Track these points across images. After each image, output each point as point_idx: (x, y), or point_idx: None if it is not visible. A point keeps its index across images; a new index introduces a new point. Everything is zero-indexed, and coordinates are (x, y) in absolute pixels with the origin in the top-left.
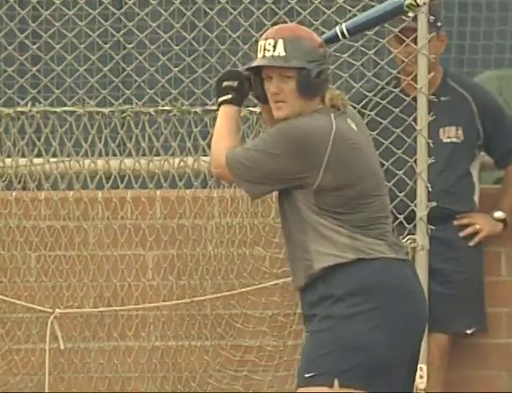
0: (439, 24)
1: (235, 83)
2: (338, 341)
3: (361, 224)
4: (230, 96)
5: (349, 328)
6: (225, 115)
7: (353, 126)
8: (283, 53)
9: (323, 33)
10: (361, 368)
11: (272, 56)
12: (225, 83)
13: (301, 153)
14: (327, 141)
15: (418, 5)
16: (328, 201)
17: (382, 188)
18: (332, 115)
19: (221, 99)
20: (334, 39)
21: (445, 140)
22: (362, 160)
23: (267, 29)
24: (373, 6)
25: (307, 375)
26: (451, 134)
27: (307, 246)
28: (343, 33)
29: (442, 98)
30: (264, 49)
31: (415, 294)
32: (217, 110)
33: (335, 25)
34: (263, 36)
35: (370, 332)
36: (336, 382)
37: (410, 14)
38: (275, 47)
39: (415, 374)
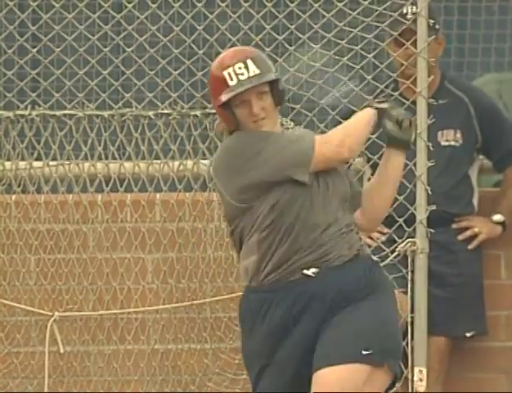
0: (437, 27)
1: (395, 111)
2: (394, 325)
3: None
4: (386, 106)
5: (394, 317)
6: (369, 118)
7: None
8: (257, 71)
9: (323, 37)
10: (398, 358)
11: (248, 77)
12: (390, 106)
13: None
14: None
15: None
16: None
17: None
18: None
19: (377, 106)
20: None
21: (443, 143)
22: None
23: (267, 32)
24: (372, 9)
25: (364, 352)
26: (449, 137)
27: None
28: None
29: (440, 101)
30: (236, 74)
31: None
32: (216, 114)
33: (335, 28)
34: (220, 66)
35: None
36: (387, 365)
37: (410, 16)
38: (247, 68)
39: None
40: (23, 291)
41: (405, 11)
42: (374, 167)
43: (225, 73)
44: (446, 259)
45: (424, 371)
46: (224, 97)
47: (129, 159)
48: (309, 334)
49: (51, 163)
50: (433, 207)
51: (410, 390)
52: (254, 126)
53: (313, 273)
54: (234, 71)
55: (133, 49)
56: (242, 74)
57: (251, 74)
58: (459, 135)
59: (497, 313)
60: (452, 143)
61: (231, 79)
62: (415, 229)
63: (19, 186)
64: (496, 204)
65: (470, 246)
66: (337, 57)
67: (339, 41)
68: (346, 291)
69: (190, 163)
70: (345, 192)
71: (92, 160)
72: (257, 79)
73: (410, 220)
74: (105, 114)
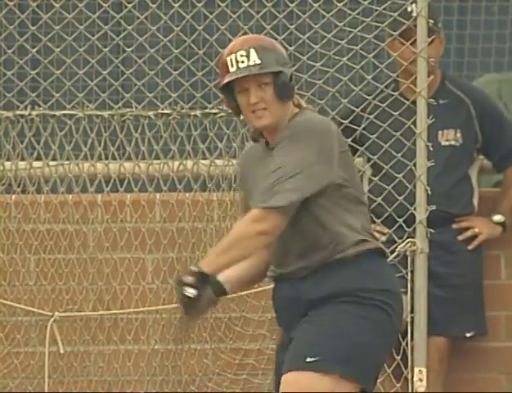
0: (438, 26)
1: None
2: (345, 333)
3: (360, 225)
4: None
5: (356, 325)
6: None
7: None
8: (258, 61)
9: (324, 37)
10: (361, 364)
11: (248, 66)
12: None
13: (323, 148)
14: (333, 133)
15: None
16: (334, 199)
17: (364, 196)
18: (316, 112)
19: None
20: None
21: (443, 143)
22: (350, 156)
23: (267, 32)
24: (372, 9)
25: (309, 359)
26: (449, 137)
27: (322, 239)
28: None
29: (441, 101)
30: (237, 61)
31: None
32: (216, 114)
33: (335, 28)
34: (228, 51)
35: (372, 331)
36: (338, 372)
37: (415, 14)
38: (248, 56)
39: None
40: (23, 291)
41: (409, 10)
42: (374, 167)
43: (228, 58)
44: (446, 260)
45: (424, 371)
46: (222, 81)
47: (129, 159)
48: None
49: (50, 163)
50: (433, 207)
51: (410, 391)
52: (253, 116)
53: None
54: (235, 58)
55: (133, 49)
56: (242, 61)
57: (251, 63)
58: (459, 135)
59: (497, 314)
60: (452, 143)
61: (232, 66)
62: (414, 229)
63: (19, 186)
64: (497, 204)
65: (470, 247)
66: (337, 57)
67: (339, 41)
68: (307, 299)
69: (190, 163)
70: None
71: (91, 160)
72: (253, 69)
73: (410, 220)
74: (105, 114)
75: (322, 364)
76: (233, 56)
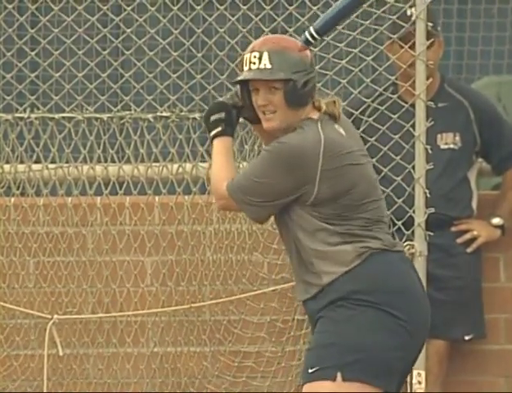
0: (437, 29)
1: (222, 115)
2: (340, 338)
3: (360, 229)
4: (220, 128)
5: (351, 328)
6: (219, 149)
7: (341, 131)
8: (269, 65)
9: (322, 39)
10: (363, 363)
11: (258, 68)
12: (213, 117)
13: (294, 169)
14: (318, 153)
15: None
16: (327, 211)
17: (377, 193)
18: (319, 124)
19: (212, 133)
20: (306, 44)
21: (442, 146)
22: (354, 164)
23: (266, 35)
24: (371, 12)
25: (310, 370)
26: (448, 140)
27: (312, 261)
28: (312, 36)
29: (440, 104)
30: (250, 62)
31: (419, 295)
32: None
33: (333, 31)
34: (249, 48)
35: (370, 331)
36: (339, 376)
37: (414, 18)
38: (260, 59)
39: (406, 375)
40: (22, 293)
41: (409, 13)
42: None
43: (245, 56)
44: (445, 262)
45: (423, 374)
46: (235, 78)
47: (128, 161)
48: None
49: (50, 166)
50: (432, 210)
51: None
52: (263, 116)
53: None
54: (249, 58)
55: (132, 52)
56: (254, 63)
57: (261, 66)
58: (458, 138)
59: (496, 317)
60: (451, 146)
61: (245, 65)
62: (413, 232)
63: (18, 188)
64: (495, 207)
65: (469, 249)
66: (336, 60)
67: (338, 44)
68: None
69: (189, 166)
70: None
71: (91, 163)
72: (262, 73)
73: (409, 223)
74: (104, 116)
75: (323, 373)
76: (248, 55)
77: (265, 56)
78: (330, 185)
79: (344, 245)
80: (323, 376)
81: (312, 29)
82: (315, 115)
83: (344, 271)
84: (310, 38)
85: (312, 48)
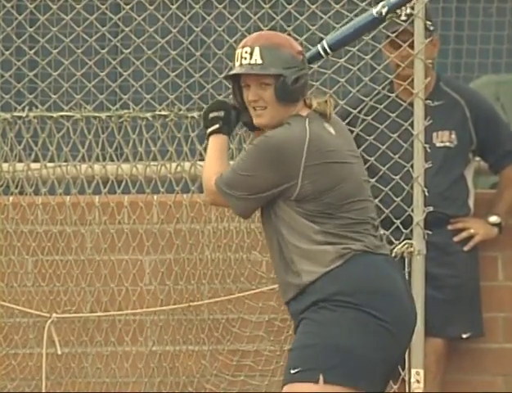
0: (432, 28)
1: (221, 114)
2: (322, 340)
3: (343, 229)
4: (217, 126)
5: (333, 330)
6: (214, 146)
7: (331, 130)
8: (259, 61)
9: (321, 38)
10: (345, 365)
11: (249, 63)
12: (211, 115)
13: (278, 165)
14: (301, 150)
15: (398, 15)
16: (310, 208)
17: (363, 193)
18: (307, 120)
19: (209, 130)
20: (317, 57)
21: (438, 144)
22: (339, 163)
23: None
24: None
25: (292, 371)
26: (444, 139)
27: (293, 259)
28: (325, 50)
29: (436, 102)
30: (241, 57)
31: (402, 296)
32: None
33: (332, 30)
34: (241, 44)
35: (352, 333)
36: (321, 378)
37: (403, 17)
38: (251, 54)
39: (390, 376)
40: (21, 292)
41: (399, 12)
42: (371, 169)
43: (237, 51)
44: (443, 261)
45: (421, 372)
46: (227, 73)
47: (127, 160)
48: None
49: (48, 164)
50: (431, 209)
51: (407, 392)
52: (253, 112)
53: None
54: (241, 54)
55: (131, 50)
56: (245, 58)
57: (252, 61)
58: (453, 136)
59: (494, 315)
60: (447, 144)
61: (237, 60)
62: (411, 231)
63: (16, 187)
64: (493, 205)
65: (466, 248)
66: (334, 59)
67: None
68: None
69: (187, 164)
70: None
71: (89, 162)
72: (251, 68)
73: (407, 222)
74: (103, 115)
75: (305, 374)
76: (240, 51)
77: (256, 51)
78: (313, 181)
79: (326, 245)
80: (305, 377)
81: (325, 42)
82: (304, 112)
83: (324, 271)
84: (322, 52)
85: (310, 47)
